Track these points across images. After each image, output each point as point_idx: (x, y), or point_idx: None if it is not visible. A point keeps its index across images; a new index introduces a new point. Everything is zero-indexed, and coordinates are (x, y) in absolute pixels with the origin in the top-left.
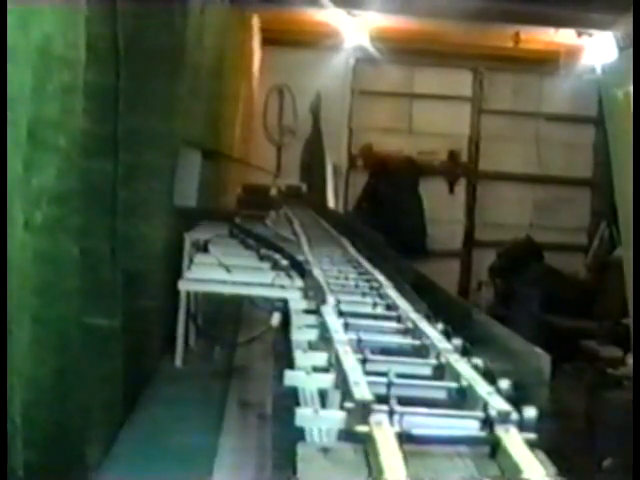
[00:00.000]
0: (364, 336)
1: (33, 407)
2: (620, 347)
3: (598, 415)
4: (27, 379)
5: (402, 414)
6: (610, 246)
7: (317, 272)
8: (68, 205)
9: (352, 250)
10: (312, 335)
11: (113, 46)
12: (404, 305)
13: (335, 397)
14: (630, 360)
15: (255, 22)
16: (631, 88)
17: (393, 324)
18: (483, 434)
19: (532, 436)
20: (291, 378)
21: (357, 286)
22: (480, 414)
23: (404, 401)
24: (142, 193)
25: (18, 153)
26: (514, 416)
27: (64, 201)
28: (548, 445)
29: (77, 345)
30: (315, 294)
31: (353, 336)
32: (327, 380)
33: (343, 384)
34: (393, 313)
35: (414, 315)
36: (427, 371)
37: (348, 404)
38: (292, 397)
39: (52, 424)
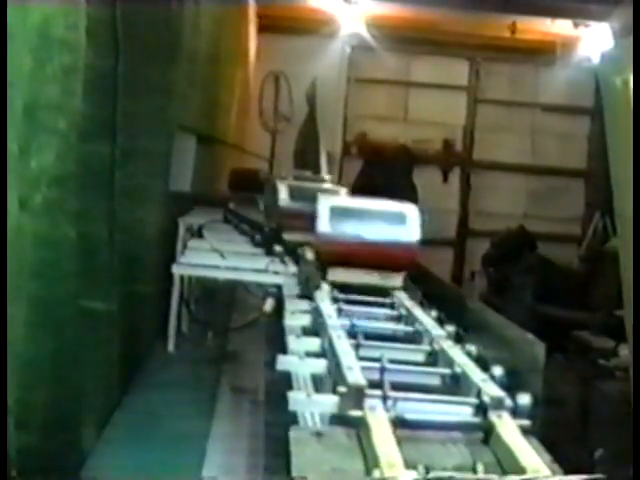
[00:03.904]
0: (358, 322)
1: (29, 389)
2: (612, 338)
3: (590, 406)
4: (23, 361)
5: (396, 399)
6: (604, 237)
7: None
8: (66, 188)
9: None
10: (305, 321)
11: (112, 30)
12: (398, 292)
13: (328, 382)
14: (623, 351)
15: (251, 9)
16: (630, 76)
17: (387, 311)
18: (476, 420)
19: (525, 422)
20: (284, 363)
21: None
22: (473, 400)
23: (397, 387)
24: (138, 177)
25: (17, 135)
26: (507, 402)
27: (63, 184)
28: (539, 436)
29: (74, 328)
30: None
31: (346, 322)
32: (320, 365)
33: (336, 369)
34: (387, 300)
35: (408, 302)
36: (421, 357)
37: (341, 389)
38: (285, 382)
39: (47, 407)
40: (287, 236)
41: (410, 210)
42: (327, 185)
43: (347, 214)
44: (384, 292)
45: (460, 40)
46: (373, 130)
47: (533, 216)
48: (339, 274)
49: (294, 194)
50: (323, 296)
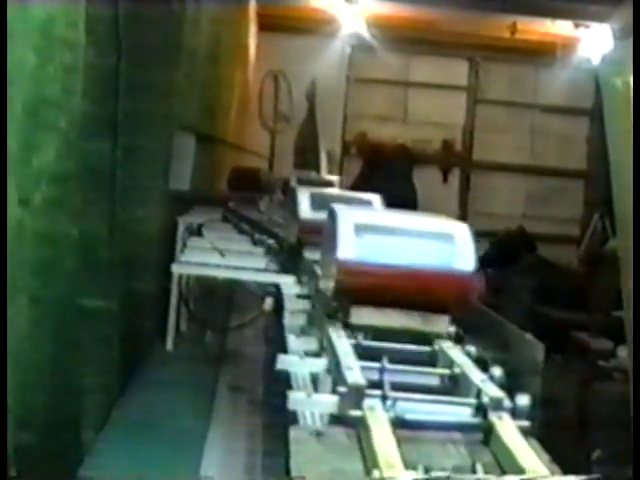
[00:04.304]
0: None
1: (27, 388)
2: (611, 339)
3: (588, 407)
4: (22, 360)
5: (395, 399)
6: (603, 238)
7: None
8: (67, 186)
9: None
10: (305, 320)
11: (113, 29)
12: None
13: (327, 381)
14: (621, 352)
15: (252, 8)
16: (631, 78)
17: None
18: (476, 421)
19: (525, 423)
20: (283, 362)
21: None
22: (473, 401)
23: (397, 387)
24: (138, 176)
25: (18, 133)
26: (507, 403)
27: (63, 182)
28: (538, 436)
29: (73, 326)
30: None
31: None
32: (320, 364)
33: (336, 369)
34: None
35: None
36: (420, 358)
37: (341, 388)
38: (284, 381)
39: (45, 405)
40: (308, 254)
41: (460, 230)
42: (356, 194)
43: (377, 234)
44: (424, 338)
45: (460, 40)
46: (372, 130)
47: (532, 217)
48: (366, 315)
49: (317, 204)
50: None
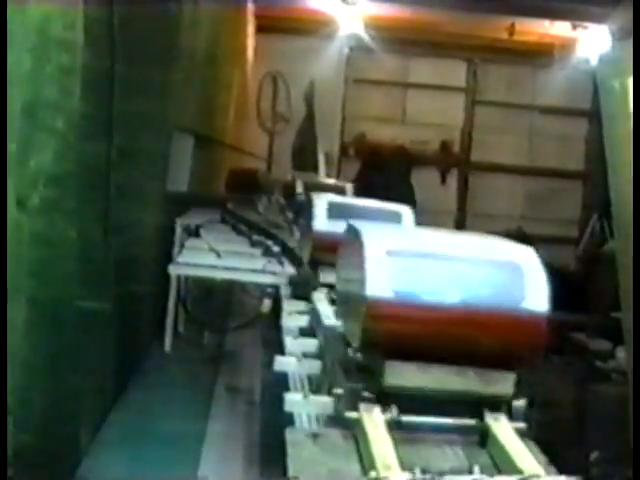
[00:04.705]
0: None
1: (25, 389)
2: (609, 340)
3: (586, 408)
4: (20, 360)
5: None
6: (601, 239)
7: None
8: (64, 187)
9: None
10: (303, 322)
11: (109, 30)
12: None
13: (324, 383)
14: (620, 353)
15: (249, 9)
16: (629, 79)
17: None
18: (473, 422)
19: (521, 425)
20: (281, 364)
21: None
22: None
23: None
24: (135, 177)
25: (16, 134)
26: (504, 405)
27: (60, 183)
28: (536, 438)
29: (69, 328)
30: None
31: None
32: (317, 366)
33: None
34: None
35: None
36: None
37: (338, 390)
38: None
39: (43, 406)
40: (324, 276)
41: (526, 256)
42: (381, 204)
43: (418, 262)
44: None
45: (458, 41)
46: (371, 131)
47: (530, 218)
48: (405, 374)
49: (334, 214)
50: (321, 297)
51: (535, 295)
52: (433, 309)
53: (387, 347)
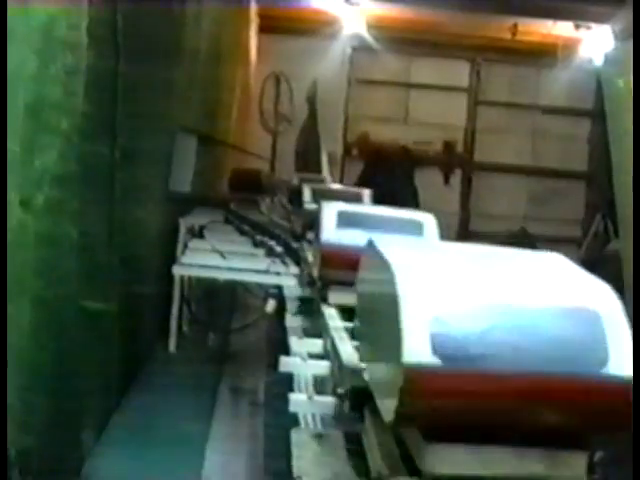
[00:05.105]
0: None
1: (28, 390)
2: None
3: None
4: (23, 361)
5: None
6: (604, 239)
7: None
8: (68, 187)
9: None
10: (307, 322)
11: (113, 30)
12: None
13: (329, 384)
14: None
15: (253, 9)
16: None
17: None
18: None
19: None
20: (286, 364)
21: None
22: None
23: None
24: (138, 177)
25: (20, 135)
26: None
27: (64, 183)
28: None
29: (74, 328)
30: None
31: (349, 323)
32: (323, 367)
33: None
34: None
35: None
36: None
37: (342, 390)
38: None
39: (47, 407)
40: (334, 297)
41: (605, 299)
42: (401, 213)
43: (466, 312)
44: None
45: (461, 41)
46: (374, 131)
47: (534, 218)
48: (455, 459)
49: (346, 224)
50: None
51: (619, 355)
52: (489, 378)
53: (429, 425)
